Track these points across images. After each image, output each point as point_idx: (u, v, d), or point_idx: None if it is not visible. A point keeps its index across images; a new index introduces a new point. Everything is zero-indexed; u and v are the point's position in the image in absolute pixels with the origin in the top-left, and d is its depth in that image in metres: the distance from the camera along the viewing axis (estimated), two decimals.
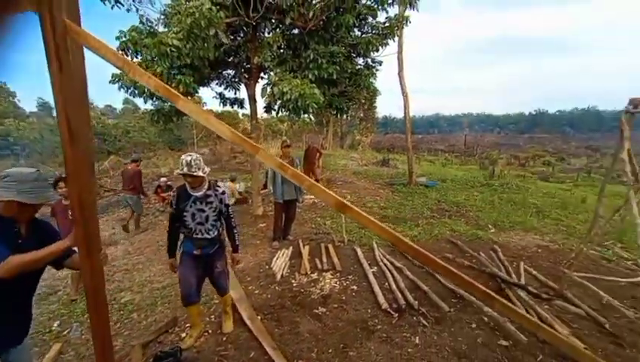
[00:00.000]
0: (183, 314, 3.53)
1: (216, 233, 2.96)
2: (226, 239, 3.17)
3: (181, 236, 3.01)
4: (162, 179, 10.27)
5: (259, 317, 3.46)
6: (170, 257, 3.06)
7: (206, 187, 2.85)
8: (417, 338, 3.14)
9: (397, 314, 3.48)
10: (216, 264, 3.06)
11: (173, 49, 4.93)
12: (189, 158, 2.66)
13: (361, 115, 26.11)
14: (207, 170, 2.79)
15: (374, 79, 7.45)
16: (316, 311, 3.60)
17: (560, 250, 5.53)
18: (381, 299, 3.72)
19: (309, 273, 4.49)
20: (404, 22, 6.94)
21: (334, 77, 6.10)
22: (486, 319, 3.43)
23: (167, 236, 3.02)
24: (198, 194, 2.81)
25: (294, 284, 4.23)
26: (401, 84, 11.09)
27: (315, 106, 5.77)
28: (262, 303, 3.80)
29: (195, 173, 2.66)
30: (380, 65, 7.44)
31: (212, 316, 3.56)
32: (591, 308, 3.53)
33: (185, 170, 2.65)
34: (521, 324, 3.25)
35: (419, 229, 6.62)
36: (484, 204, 8.72)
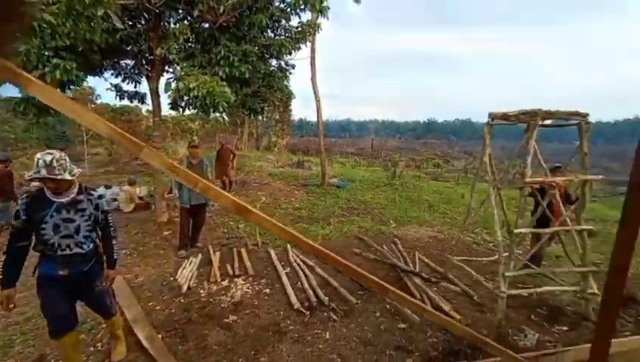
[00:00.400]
0: (54, 351, 2.84)
1: (91, 246, 2.42)
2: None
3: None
4: (34, 184, 8.40)
5: (160, 336, 3.11)
6: (4, 287, 2.20)
7: (75, 191, 2.31)
8: (328, 333, 3.27)
9: (309, 312, 3.57)
10: (94, 283, 2.49)
11: (44, 25, 4.07)
12: (48, 158, 2.08)
13: (277, 116, 26.14)
14: (76, 171, 2.25)
15: (288, 82, 7.54)
16: (226, 320, 3.43)
17: (446, 238, 6.50)
18: (293, 299, 3.77)
19: (219, 281, 4.25)
20: (316, 28, 7.20)
21: (247, 76, 5.95)
22: (388, 306, 3.79)
23: (6, 260, 2.22)
24: (64, 200, 2.24)
25: (203, 294, 3.94)
26: (314, 88, 11.50)
27: (226, 105, 5.51)
28: (164, 319, 3.43)
29: (58, 177, 2.10)
30: (294, 68, 7.58)
31: (98, 344, 3.04)
32: (465, 285, 4.25)
33: (43, 172, 2.06)
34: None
35: (330, 228, 6.94)
36: (387, 201, 9.68)
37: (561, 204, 3.62)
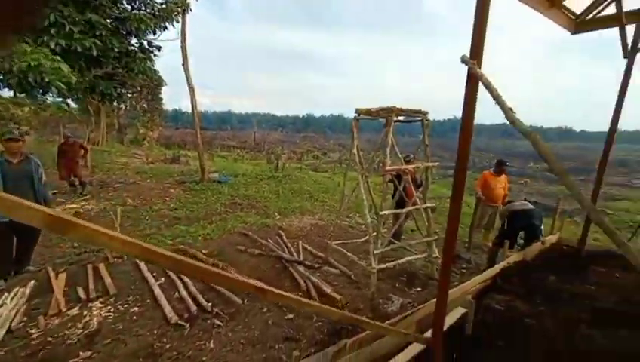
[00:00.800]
0: None
1: None
2: None
3: None
4: None
5: None
6: None
7: None
8: (212, 342, 3.03)
9: (189, 324, 3.23)
10: None
11: None
12: None
13: (145, 105, 22.58)
14: None
15: (152, 65, 6.54)
16: (75, 360, 2.74)
17: (325, 225, 6.99)
18: (169, 312, 3.33)
19: (64, 310, 3.36)
20: (185, 8, 6.45)
21: (95, 53, 4.83)
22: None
23: None
24: None
25: (35, 335, 3.01)
26: (186, 76, 10.38)
27: (64, 87, 4.35)
28: None
29: None
30: (159, 50, 6.62)
31: None
32: (344, 266, 4.67)
33: None
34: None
35: (212, 226, 6.49)
36: (271, 194, 9.73)
37: (412, 188, 4.35)
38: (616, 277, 3.45)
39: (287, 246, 5.40)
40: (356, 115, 4.26)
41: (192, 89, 10.46)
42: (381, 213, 3.97)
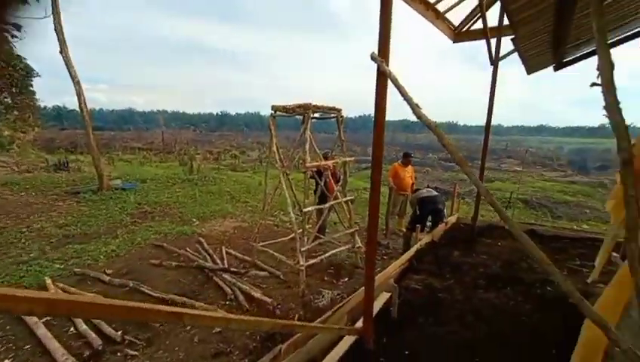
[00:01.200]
0: None
1: None
2: None
3: None
4: None
5: None
6: None
7: None
8: None
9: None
10: None
11: None
12: None
13: (9, 100, 18.16)
14: None
15: (13, 48, 5.25)
16: None
17: (249, 226, 6.74)
18: (62, 355, 2.74)
19: None
20: None
21: None
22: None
23: None
24: None
25: None
26: (67, 66, 8.71)
27: None
28: None
29: None
30: (19, 30, 5.33)
31: None
32: (272, 267, 4.57)
33: None
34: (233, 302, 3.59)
35: (118, 241, 5.64)
36: (187, 199, 8.95)
37: (333, 182, 4.49)
38: (498, 246, 4.18)
39: (209, 254, 5.02)
40: (273, 112, 4.17)
41: (77, 82, 8.86)
42: (305, 209, 3.98)
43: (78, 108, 9.32)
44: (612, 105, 0.97)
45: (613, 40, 3.12)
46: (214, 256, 4.95)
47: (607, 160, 21.69)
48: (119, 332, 3.02)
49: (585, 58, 3.76)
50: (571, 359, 1.76)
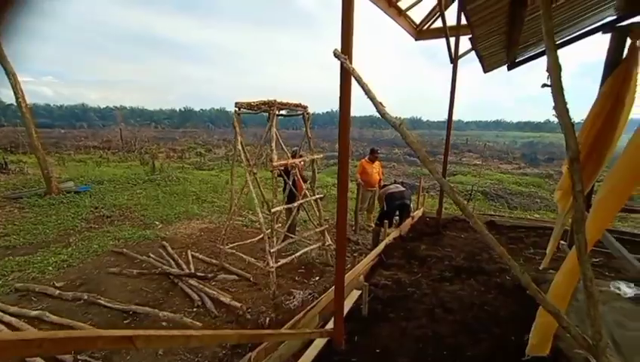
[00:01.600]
0: None
1: None
2: None
3: None
4: None
5: None
6: None
7: None
8: None
9: None
10: None
11: None
12: None
13: None
14: None
15: None
16: None
17: (217, 227, 6.52)
18: None
19: None
20: None
21: None
22: (165, 324, 3.32)
23: None
24: None
25: None
26: None
27: None
28: None
29: None
30: None
31: None
32: (241, 270, 4.45)
33: None
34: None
35: (70, 250, 5.21)
36: (149, 200, 8.47)
37: (301, 180, 4.44)
38: (462, 238, 4.38)
39: (173, 259, 4.79)
40: (237, 108, 4.03)
41: (11, 73, 7.96)
42: (273, 209, 3.91)
43: (15, 104, 8.44)
44: (561, 106, 1.02)
45: (563, 40, 3.35)
46: (180, 260, 4.73)
47: (553, 153, 23.64)
48: (71, 355, 2.78)
49: (535, 58, 4.01)
50: (528, 344, 1.88)
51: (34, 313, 3.32)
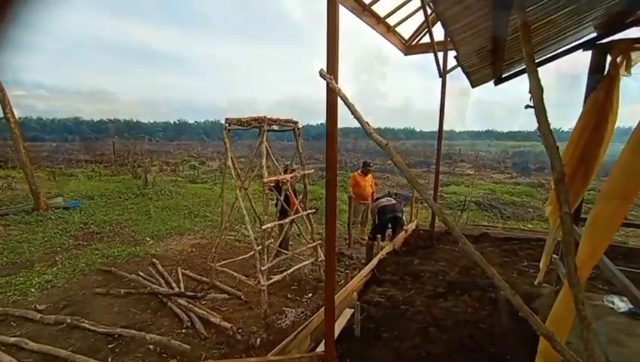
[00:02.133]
0: None
1: None
2: None
3: None
4: None
5: None
6: None
7: None
8: None
9: None
10: None
11: None
12: None
13: None
14: None
15: None
16: None
17: (209, 243, 6.40)
18: None
19: None
20: None
21: None
22: (152, 347, 3.20)
23: None
24: None
25: None
26: None
27: None
28: None
29: None
30: None
31: None
32: (233, 287, 4.35)
33: None
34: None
35: (55, 269, 5.06)
36: (140, 216, 8.32)
37: (293, 196, 4.40)
38: (455, 252, 4.35)
39: (163, 278, 4.67)
40: (227, 124, 4.01)
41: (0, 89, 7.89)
42: (264, 226, 3.84)
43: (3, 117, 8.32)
44: (544, 127, 1.01)
45: (544, 58, 3.41)
46: (169, 278, 4.61)
47: (544, 161, 23.98)
48: None
49: (521, 74, 4.08)
50: None
51: (12, 339, 3.17)
